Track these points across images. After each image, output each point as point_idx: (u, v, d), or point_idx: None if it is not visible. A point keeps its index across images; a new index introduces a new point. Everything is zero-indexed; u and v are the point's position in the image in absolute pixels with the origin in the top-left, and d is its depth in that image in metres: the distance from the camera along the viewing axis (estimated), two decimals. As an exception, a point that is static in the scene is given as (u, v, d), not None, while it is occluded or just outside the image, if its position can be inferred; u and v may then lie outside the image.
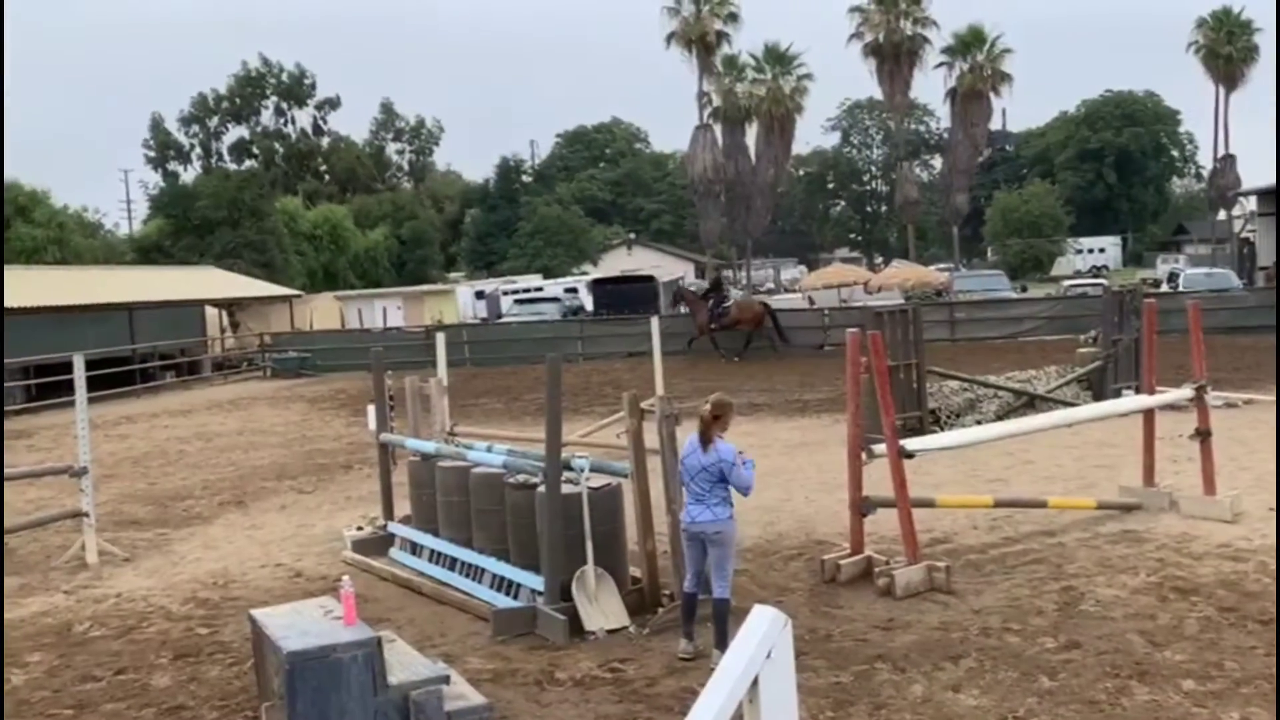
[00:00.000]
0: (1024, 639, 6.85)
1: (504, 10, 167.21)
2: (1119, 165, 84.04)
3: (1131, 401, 11.39)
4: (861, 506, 8.26)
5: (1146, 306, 10.92)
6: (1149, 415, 10.04)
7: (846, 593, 7.97)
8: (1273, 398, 14.72)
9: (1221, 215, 63.98)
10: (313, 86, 72.93)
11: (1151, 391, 10.24)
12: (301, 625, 5.50)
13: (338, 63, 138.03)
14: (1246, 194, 51.52)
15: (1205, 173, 73.01)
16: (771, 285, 75.60)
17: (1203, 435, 9.72)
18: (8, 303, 25.91)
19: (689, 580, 6.98)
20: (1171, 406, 10.99)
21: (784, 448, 14.34)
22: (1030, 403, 15.58)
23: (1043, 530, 9.36)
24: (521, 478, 8.09)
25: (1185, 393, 9.96)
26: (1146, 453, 10.03)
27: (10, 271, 33.51)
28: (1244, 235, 50.55)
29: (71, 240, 48.03)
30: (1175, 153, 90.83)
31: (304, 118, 73.80)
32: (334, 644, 5.20)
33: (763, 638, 3.14)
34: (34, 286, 29.49)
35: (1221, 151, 62.39)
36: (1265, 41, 58.71)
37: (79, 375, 10.48)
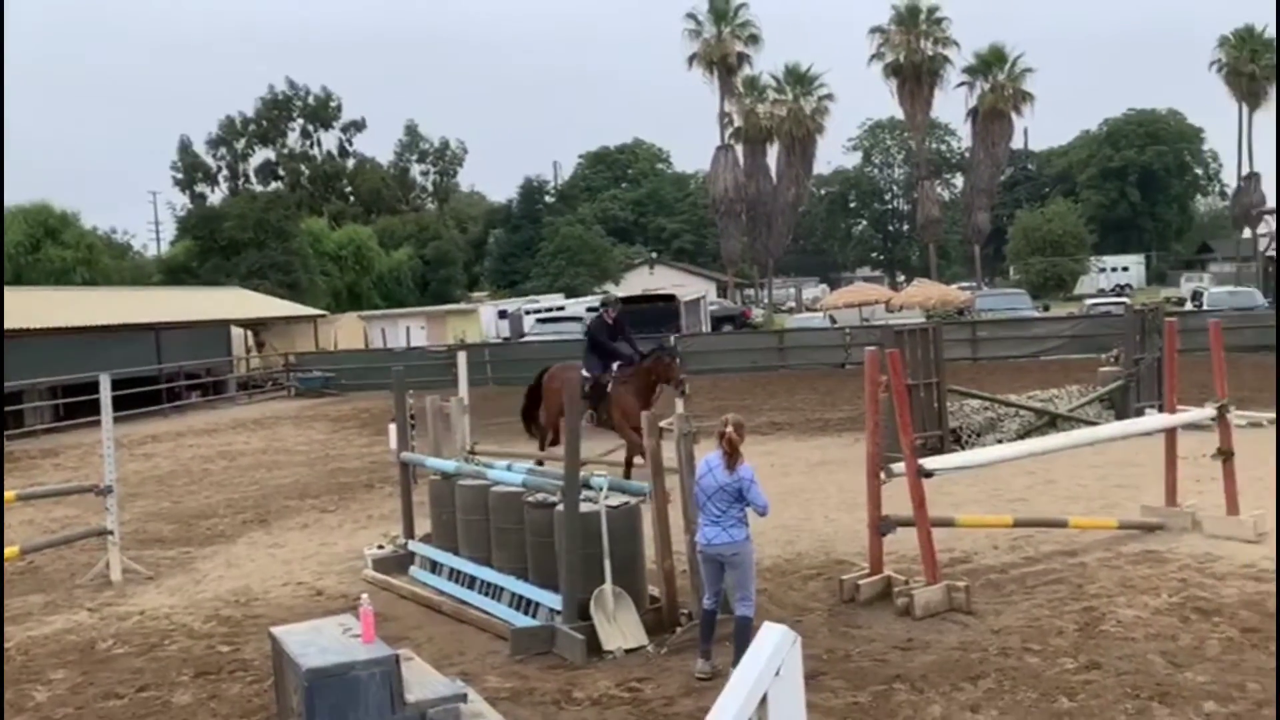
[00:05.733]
0: (1044, 659, 6.81)
1: (528, 32, 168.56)
2: (1142, 183, 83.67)
3: (1153, 421, 11.30)
4: (880, 526, 8.23)
5: (1167, 325, 10.87)
6: (1171, 434, 9.99)
7: (865, 613, 7.95)
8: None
9: (1246, 233, 63.53)
10: (338, 109, 73.65)
11: (1173, 410, 10.17)
12: (320, 643, 5.54)
13: (363, 85, 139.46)
14: (1271, 212, 51.11)
15: (1229, 191, 72.59)
16: (793, 304, 75.58)
17: (1225, 455, 9.65)
18: (38, 324, 26.31)
19: (708, 598, 6.97)
20: (1195, 426, 10.92)
21: (805, 467, 14.28)
22: (1052, 422, 15.50)
23: (1064, 550, 9.30)
24: (540, 496, 8.12)
25: (1207, 412, 9.91)
26: (1169, 472, 9.96)
27: (40, 293, 34.07)
28: (1269, 253, 50.17)
29: (100, 261, 48.57)
30: (1199, 171, 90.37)
31: (330, 140, 74.53)
32: (352, 662, 5.24)
33: (772, 655, 3.14)
34: (62, 307, 29.92)
35: (1245, 169, 62.17)
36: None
37: (105, 395, 10.62)
